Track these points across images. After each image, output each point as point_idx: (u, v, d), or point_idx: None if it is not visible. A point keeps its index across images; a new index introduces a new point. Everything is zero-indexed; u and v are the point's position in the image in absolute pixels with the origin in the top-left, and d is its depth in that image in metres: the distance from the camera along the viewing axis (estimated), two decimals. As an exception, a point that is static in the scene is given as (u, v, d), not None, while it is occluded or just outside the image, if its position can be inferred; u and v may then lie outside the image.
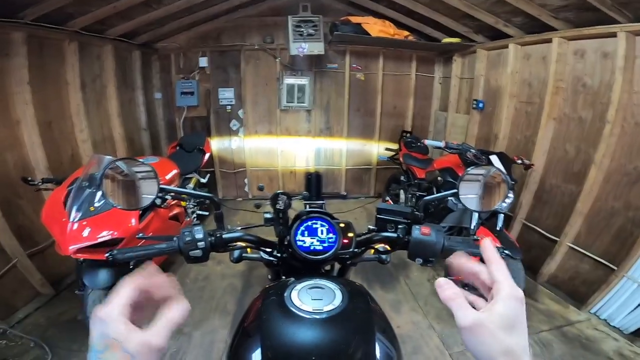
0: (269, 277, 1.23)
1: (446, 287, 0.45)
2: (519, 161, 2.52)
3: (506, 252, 0.91)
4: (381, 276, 2.85)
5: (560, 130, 2.69)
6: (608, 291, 2.26)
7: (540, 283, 2.75)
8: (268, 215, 0.95)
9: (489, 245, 0.49)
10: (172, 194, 1.71)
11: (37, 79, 2.41)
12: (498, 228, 2.28)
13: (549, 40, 2.65)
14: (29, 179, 2.15)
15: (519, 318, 0.41)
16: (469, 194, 0.96)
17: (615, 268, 2.22)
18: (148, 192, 0.86)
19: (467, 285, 0.51)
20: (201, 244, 0.81)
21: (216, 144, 4.35)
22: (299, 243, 0.87)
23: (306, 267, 0.91)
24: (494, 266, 0.46)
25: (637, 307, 2.14)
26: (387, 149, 4.18)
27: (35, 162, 2.43)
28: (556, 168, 2.74)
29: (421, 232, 0.84)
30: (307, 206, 1.28)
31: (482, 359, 0.41)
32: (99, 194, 1.84)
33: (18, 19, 2.21)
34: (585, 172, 2.43)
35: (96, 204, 1.82)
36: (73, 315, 2.23)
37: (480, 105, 3.52)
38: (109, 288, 1.87)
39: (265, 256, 0.98)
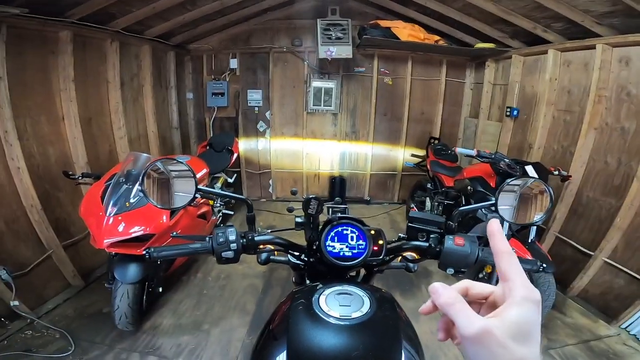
0: (293, 280, 1.23)
1: (442, 292, 0.37)
2: (556, 172, 2.41)
3: (543, 265, 0.87)
4: (402, 283, 2.80)
5: (601, 141, 2.56)
6: (642, 307, 2.16)
7: (569, 297, 2.64)
8: (299, 220, 0.96)
9: (497, 228, 0.39)
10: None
11: (80, 77, 2.53)
12: (530, 240, 2.18)
13: (592, 47, 2.53)
14: (70, 173, 2.27)
15: (534, 325, 0.34)
16: (507, 205, 0.92)
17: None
18: (185, 191, 0.88)
19: None
20: (233, 246, 0.82)
21: (243, 145, 4.44)
22: (329, 248, 0.87)
23: (332, 272, 0.91)
24: (505, 260, 0.37)
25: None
26: (413, 155, 4.10)
27: (75, 157, 2.55)
28: (595, 180, 2.60)
29: (455, 242, 0.83)
30: (330, 210, 1.28)
31: None
32: (135, 190, 1.92)
33: (65, 17, 2.31)
34: (627, 186, 2.31)
35: (131, 200, 1.91)
36: (99, 308, 2.32)
37: (515, 112, 3.39)
38: (137, 283, 1.94)
39: (293, 259, 0.98)
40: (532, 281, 1.95)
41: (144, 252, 0.80)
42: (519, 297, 0.34)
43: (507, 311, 0.34)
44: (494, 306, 0.37)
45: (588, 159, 2.64)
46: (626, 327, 2.27)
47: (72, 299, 2.43)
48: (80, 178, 2.27)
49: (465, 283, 0.42)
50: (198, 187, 0.86)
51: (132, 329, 2.07)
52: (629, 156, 2.34)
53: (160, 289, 2.30)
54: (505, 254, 0.37)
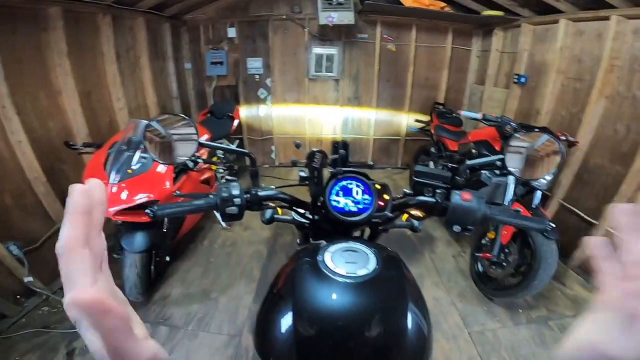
0: (298, 241, 1.23)
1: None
2: (563, 138, 2.37)
3: (552, 224, 0.86)
4: (405, 248, 2.83)
5: (611, 108, 2.50)
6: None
7: (570, 267, 2.65)
8: (303, 174, 0.94)
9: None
10: (204, 156, 1.75)
11: (75, 51, 2.49)
12: (534, 205, 2.17)
13: (606, 18, 2.45)
14: (71, 143, 2.26)
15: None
16: (515, 162, 0.90)
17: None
18: (187, 149, 0.87)
19: None
20: (237, 201, 0.81)
21: (244, 112, 4.40)
22: (333, 203, 0.85)
23: (337, 230, 0.90)
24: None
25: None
26: (417, 121, 4.05)
27: (76, 129, 2.54)
28: (603, 147, 2.56)
29: (462, 197, 0.81)
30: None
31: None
32: (136, 156, 1.91)
33: None
34: (635, 153, 2.27)
35: (133, 167, 1.90)
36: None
37: (522, 79, 3.30)
38: (145, 251, 1.97)
39: (298, 217, 0.98)
40: (533, 247, 1.96)
41: (147, 211, 0.80)
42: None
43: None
44: None
45: (597, 125, 2.59)
46: None
47: (83, 272, 2.48)
48: (82, 148, 2.26)
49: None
50: (200, 141, 0.84)
51: (143, 300, 2.10)
52: (639, 124, 2.29)
53: (168, 258, 2.34)
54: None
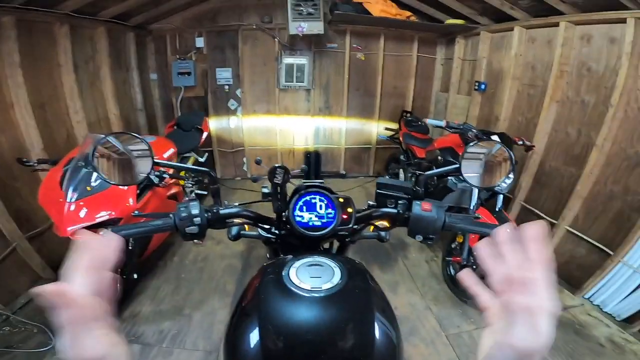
0: (267, 255, 1.22)
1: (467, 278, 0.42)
2: (520, 142, 2.50)
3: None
4: (379, 256, 2.87)
5: (563, 113, 2.67)
6: (603, 276, 2.27)
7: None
8: (266, 190, 0.93)
9: (535, 230, 0.38)
10: (171, 171, 1.70)
11: (28, 62, 2.38)
12: (497, 209, 2.28)
13: (556, 24, 2.60)
14: (24, 159, 2.13)
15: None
16: (471, 171, 0.94)
17: (612, 253, 2.22)
18: (143, 167, 0.84)
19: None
20: (197, 220, 0.79)
21: (214, 124, 4.32)
22: (297, 218, 0.86)
23: (305, 244, 0.90)
24: (536, 263, 0.37)
25: (630, 293, 2.15)
26: (386, 129, 4.15)
27: (30, 144, 2.40)
28: (557, 150, 2.73)
29: (422, 208, 0.83)
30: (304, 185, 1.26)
31: None
32: (96, 173, 1.82)
33: (6, 2, 2.15)
34: (586, 155, 2.43)
35: (93, 184, 1.81)
36: (75, 300, 2.25)
37: (482, 87, 3.47)
38: None
39: (264, 233, 0.97)
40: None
41: (102, 233, 0.76)
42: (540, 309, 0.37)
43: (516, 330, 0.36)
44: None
45: (550, 130, 2.76)
46: (589, 297, 2.37)
47: (44, 292, 2.33)
48: (36, 164, 2.13)
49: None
50: (155, 160, 0.81)
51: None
52: (589, 127, 2.45)
53: (136, 276, 2.24)
54: (538, 258, 0.39)
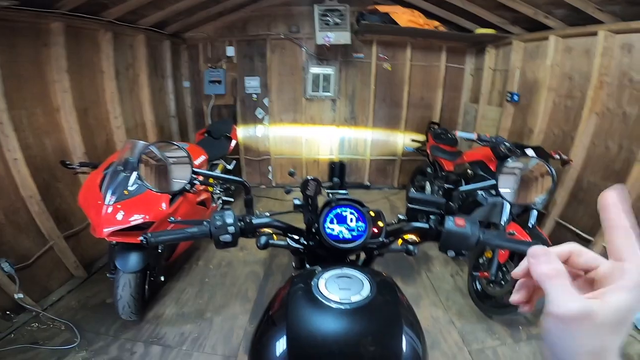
0: (294, 265, 1.22)
1: (544, 260, 0.33)
2: (557, 156, 2.40)
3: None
4: (402, 268, 2.81)
5: (603, 126, 2.54)
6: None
7: (569, 283, 2.63)
8: (297, 202, 0.95)
9: (612, 201, 0.34)
10: (201, 178, 1.75)
11: (74, 68, 2.50)
12: (530, 225, 2.18)
13: (594, 33, 2.50)
14: (68, 162, 2.26)
15: (634, 314, 0.30)
16: (508, 186, 0.91)
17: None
18: (181, 175, 0.87)
19: None
20: (231, 229, 0.81)
21: (242, 132, 4.42)
22: (328, 231, 0.86)
23: (332, 255, 0.90)
24: (622, 235, 0.32)
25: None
26: (413, 140, 4.09)
27: (73, 147, 2.54)
28: (595, 165, 2.60)
29: (455, 223, 0.81)
30: (330, 195, 1.26)
31: (562, 355, 0.30)
32: (133, 177, 1.91)
33: (55, 9, 2.27)
34: (627, 171, 2.30)
35: (130, 188, 1.89)
36: (103, 299, 2.33)
37: (515, 97, 3.36)
38: (139, 272, 1.94)
39: (292, 243, 0.98)
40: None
41: (141, 238, 0.79)
42: (633, 282, 0.30)
43: (615, 295, 0.30)
44: (592, 283, 0.34)
45: (589, 143, 2.63)
46: None
47: (75, 290, 2.43)
48: (78, 167, 2.25)
49: (570, 247, 0.37)
50: (194, 169, 0.84)
51: (136, 319, 2.08)
52: (630, 141, 2.32)
53: (162, 278, 2.31)
54: (622, 228, 0.32)
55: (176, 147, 0.86)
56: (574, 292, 0.31)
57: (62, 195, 2.49)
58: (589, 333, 0.29)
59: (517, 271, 0.40)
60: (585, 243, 2.56)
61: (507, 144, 2.28)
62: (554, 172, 0.90)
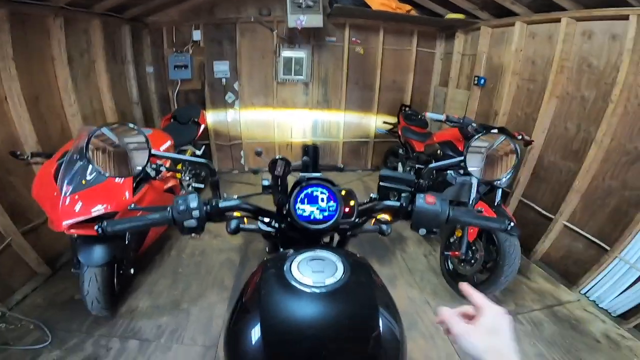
0: (267, 249, 1.20)
1: (454, 322, 0.57)
2: (519, 137, 2.49)
3: (511, 224, 0.88)
4: (377, 250, 2.87)
5: (562, 108, 2.67)
6: (599, 272, 2.29)
7: (533, 261, 2.79)
8: (266, 182, 0.92)
9: (468, 288, 0.61)
10: (167, 164, 1.67)
11: (22, 55, 2.33)
12: (496, 203, 2.28)
13: (558, 20, 2.60)
14: (18, 153, 2.09)
15: (503, 326, 0.54)
16: (476, 163, 0.93)
17: (608, 248, 2.24)
18: (139, 159, 0.81)
19: None
20: (196, 213, 0.77)
21: (211, 117, 4.29)
22: (299, 212, 0.84)
23: (305, 238, 0.89)
24: (478, 297, 0.59)
25: (626, 289, 2.16)
26: (385, 123, 4.14)
27: (24, 137, 2.36)
28: (555, 145, 2.73)
29: (426, 201, 0.82)
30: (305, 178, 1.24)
31: (475, 355, 0.52)
32: (91, 166, 1.79)
33: None
34: (585, 151, 2.43)
35: (88, 177, 1.77)
36: (71, 295, 2.23)
37: (482, 81, 3.46)
38: (105, 265, 1.85)
39: (264, 227, 0.95)
40: (497, 244, 2.05)
41: (96, 227, 0.74)
42: (491, 310, 0.56)
43: (482, 319, 0.55)
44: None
45: (549, 125, 2.76)
46: (585, 292, 2.39)
47: (40, 288, 2.31)
48: (29, 158, 2.09)
49: (463, 309, 0.60)
50: (153, 152, 0.79)
51: (108, 314, 2.01)
52: (588, 122, 2.45)
53: (132, 271, 2.21)
54: (477, 295, 0.59)
55: (133, 130, 0.80)
56: (462, 322, 0.57)
57: (16, 189, 2.31)
58: (478, 338, 0.53)
59: (440, 319, 0.61)
60: (547, 221, 2.71)
61: (474, 124, 2.35)
62: (518, 148, 0.92)
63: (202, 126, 3.44)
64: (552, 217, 2.66)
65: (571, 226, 2.53)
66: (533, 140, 2.64)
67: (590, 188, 2.43)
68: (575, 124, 2.56)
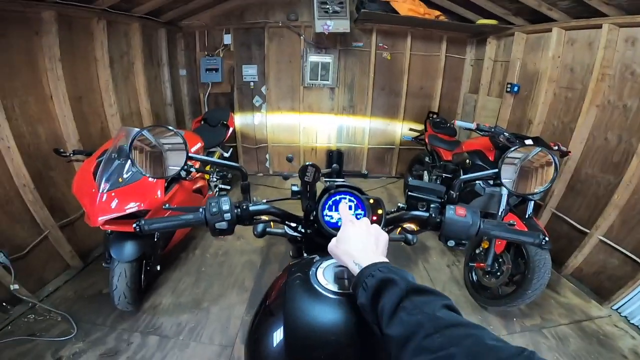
0: (291, 254, 1.21)
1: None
2: (555, 147, 2.38)
3: (546, 238, 0.85)
4: (400, 259, 2.82)
5: (603, 118, 2.53)
6: (634, 288, 2.18)
7: (564, 276, 2.67)
8: (295, 188, 0.93)
9: (344, 208, 0.80)
10: (197, 165, 1.72)
11: (67, 56, 2.46)
12: (527, 215, 2.18)
13: (598, 26, 2.48)
14: (61, 150, 2.22)
15: (349, 233, 0.66)
16: (509, 175, 0.90)
17: (646, 265, 2.11)
18: (176, 161, 0.85)
19: None
20: (227, 216, 0.79)
21: (239, 120, 4.40)
22: (326, 218, 0.84)
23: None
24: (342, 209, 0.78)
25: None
26: (411, 129, 4.08)
27: (66, 135, 2.50)
28: (594, 157, 2.59)
29: (456, 212, 0.80)
30: (327, 183, 1.25)
31: (340, 260, 0.65)
32: (128, 165, 1.88)
33: None
34: (626, 163, 2.30)
35: (124, 175, 1.86)
36: (99, 289, 2.32)
37: (515, 88, 3.34)
38: (135, 261, 1.92)
39: (290, 231, 0.96)
40: (526, 257, 1.97)
41: (135, 225, 0.77)
42: (344, 223, 0.70)
43: (339, 231, 0.69)
44: None
45: (588, 135, 2.62)
46: (617, 308, 2.29)
47: (71, 281, 2.42)
48: (71, 155, 2.22)
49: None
50: (189, 154, 0.82)
51: (132, 309, 2.07)
52: (630, 133, 2.32)
53: (159, 267, 2.29)
54: (345, 213, 0.78)
55: (171, 132, 0.83)
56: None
57: (57, 184, 2.46)
58: (334, 247, 0.66)
59: None
60: (581, 235, 2.58)
61: (506, 134, 2.26)
62: (557, 160, 0.88)
63: (231, 129, 3.53)
64: (587, 231, 2.53)
65: (607, 241, 2.39)
66: (570, 152, 2.52)
67: (630, 202, 2.29)
68: (616, 134, 2.42)
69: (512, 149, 0.87)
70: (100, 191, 1.79)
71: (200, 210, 0.81)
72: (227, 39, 4.08)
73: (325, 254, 0.76)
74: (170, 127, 0.83)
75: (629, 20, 2.30)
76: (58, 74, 2.39)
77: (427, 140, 3.48)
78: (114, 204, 1.78)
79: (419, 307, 0.47)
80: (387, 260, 0.60)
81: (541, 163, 0.94)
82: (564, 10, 2.78)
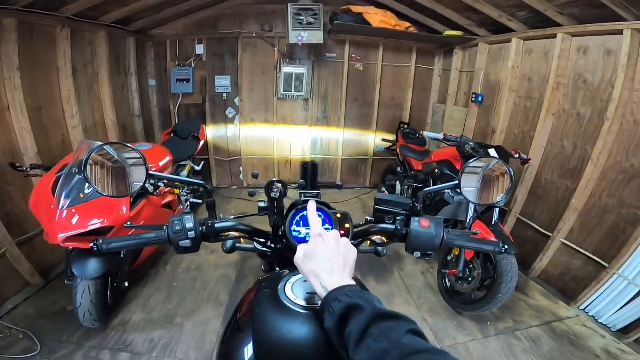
0: (263, 268, 1.20)
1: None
2: (517, 155, 2.51)
3: (505, 247, 0.89)
4: (375, 268, 2.85)
5: (559, 126, 2.69)
6: (598, 288, 2.28)
7: (531, 278, 2.78)
8: (262, 204, 0.92)
9: (312, 207, 0.73)
10: (164, 181, 1.68)
11: (27, 65, 2.36)
12: (493, 222, 2.28)
13: (553, 36, 2.62)
14: (17, 164, 2.10)
15: (318, 249, 0.63)
16: (470, 187, 0.93)
17: (607, 265, 2.23)
18: (137, 179, 0.82)
19: None
20: (191, 234, 0.78)
21: (211, 132, 4.31)
22: (294, 233, 0.84)
23: None
24: (312, 221, 0.70)
25: (625, 304, 2.15)
26: (384, 140, 4.16)
27: (24, 148, 2.37)
28: (552, 164, 2.74)
29: (420, 224, 0.82)
30: (303, 196, 1.25)
31: (306, 278, 0.63)
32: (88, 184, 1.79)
33: (9, 5, 2.15)
34: (582, 169, 2.44)
35: (86, 191, 1.77)
36: (63, 306, 2.20)
37: (479, 98, 3.49)
38: (99, 278, 1.83)
39: (259, 247, 0.95)
40: (495, 262, 2.04)
41: (92, 245, 0.74)
42: (312, 236, 0.67)
43: (305, 245, 0.67)
44: None
45: (546, 143, 2.77)
46: (584, 308, 2.38)
47: (32, 298, 2.29)
48: (29, 169, 2.10)
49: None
50: (150, 172, 0.79)
51: (100, 326, 1.98)
52: (584, 140, 2.46)
53: (127, 284, 2.20)
54: (313, 218, 0.71)
55: (130, 149, 0.80)
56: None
57: (14, 200, 2.32)
58: (302, 265, 0.64)
59: None
60: (545, 239, 2.71)
61: (471, 143, 2.36)
62: (511, 171, 0.93)
63: (202, 141, 3.45)
64: (550, 234, 2.65)
65: (569, 244, 2.52)
66: (530, 159, 2.65)
67: (588, 206, 2.43)
68: (571, 142, 2.58)
69: (471, 160, 0.91)
70: (60, 208, 1.70)
71: (164, 228, 0.79)
72: (200, 49, 4.03)
73: (296, 269, 0.76)
74: (129, 145, 0.80)
75: (581, 30, 2.44)
76: (16, 83, 2.28)
77: (398, 151, 3.56)
78: (75, 221, 1.69)
79: (386, 333, 0.48)
80: (354, 283, 0.60)
81: (501, 172, 0.99)
82: (522, 20, 2.93)
